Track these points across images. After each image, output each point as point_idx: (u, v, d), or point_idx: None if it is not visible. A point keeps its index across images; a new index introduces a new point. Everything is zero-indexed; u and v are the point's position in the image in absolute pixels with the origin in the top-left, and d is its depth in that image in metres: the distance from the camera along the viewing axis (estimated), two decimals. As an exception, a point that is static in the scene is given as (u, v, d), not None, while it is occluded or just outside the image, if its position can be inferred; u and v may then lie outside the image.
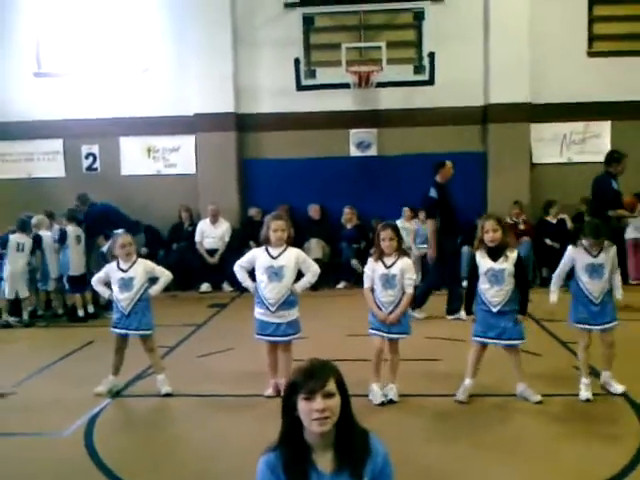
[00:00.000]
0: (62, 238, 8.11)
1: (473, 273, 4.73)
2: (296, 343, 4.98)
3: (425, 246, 9.86)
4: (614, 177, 7.86)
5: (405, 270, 4.69)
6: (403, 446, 3.76)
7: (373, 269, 4.77)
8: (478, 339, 4.72)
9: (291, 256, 4.87)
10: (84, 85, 11.05)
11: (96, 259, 8.26)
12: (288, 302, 4.84)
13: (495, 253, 4.62)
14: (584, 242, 4.72)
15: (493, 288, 4.61)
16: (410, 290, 4.70)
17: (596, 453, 3.79)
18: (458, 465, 3.69)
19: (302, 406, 1.99)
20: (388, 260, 4.72)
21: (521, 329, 4.68)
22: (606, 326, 4.74)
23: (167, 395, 4.99)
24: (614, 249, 4.80)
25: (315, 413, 1.97)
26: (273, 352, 4.99)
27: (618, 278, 4.81)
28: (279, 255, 4.84)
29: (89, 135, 10.99)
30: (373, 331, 4.80)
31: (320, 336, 5.37)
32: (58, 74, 11.12)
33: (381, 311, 4.72)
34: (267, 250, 4.88)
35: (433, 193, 7.53)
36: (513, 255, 4.63)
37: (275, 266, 4.81)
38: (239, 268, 5.00)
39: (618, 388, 4.77)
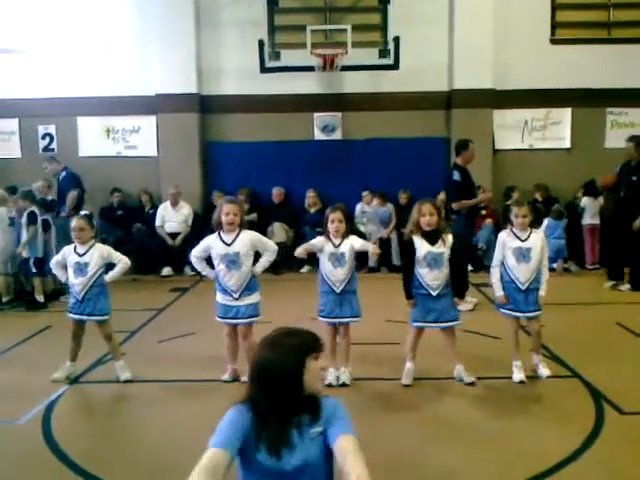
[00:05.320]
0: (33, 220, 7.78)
1: (410, 257, 4.70)
2: (257, 327, 4.92)
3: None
4: None
5: (353, 246, 4.72)
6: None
7: (322, 247, 4.79)
8: (417, 324, 4.76)
9: (245, 239, 4.78)
10: (41, 63, 10.68)
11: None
12: (250, 287, 4.81)
13: (432, 237, 4.63)
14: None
15: (432, 272, 4.62)
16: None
17: (552, 434, 3.86)
18: (394, 447, 3.74)
19: (313, 365, 2.08)
20: (336, 240, 4.75)
21: (457, 311, 4.77)
22: (531, 314, 4.83)
23: (127, 381, 4.93)
24: (541, 234, 4.89)
25: (321, 371, 2.14)
26: (233, 336, 4.94)
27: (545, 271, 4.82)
28: (233, 241, 4.75)
29: (46, 115, 10.67)
30: (323, 319, 4.80)
31: (282, 320, 5.34)
32: (14, 51, 10.71)
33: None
34: (220, 237, 4.79)
35: (457, 176, 7.18)
36: (449, 239, 4.65)
37: (230, 253, 4.73)
38: (195, 259, 4.95)
39: (544, 372, 4.87)
